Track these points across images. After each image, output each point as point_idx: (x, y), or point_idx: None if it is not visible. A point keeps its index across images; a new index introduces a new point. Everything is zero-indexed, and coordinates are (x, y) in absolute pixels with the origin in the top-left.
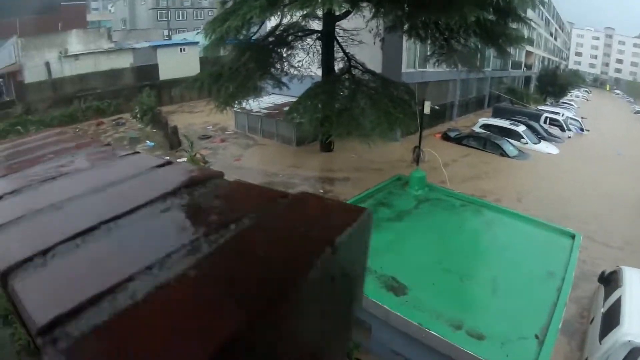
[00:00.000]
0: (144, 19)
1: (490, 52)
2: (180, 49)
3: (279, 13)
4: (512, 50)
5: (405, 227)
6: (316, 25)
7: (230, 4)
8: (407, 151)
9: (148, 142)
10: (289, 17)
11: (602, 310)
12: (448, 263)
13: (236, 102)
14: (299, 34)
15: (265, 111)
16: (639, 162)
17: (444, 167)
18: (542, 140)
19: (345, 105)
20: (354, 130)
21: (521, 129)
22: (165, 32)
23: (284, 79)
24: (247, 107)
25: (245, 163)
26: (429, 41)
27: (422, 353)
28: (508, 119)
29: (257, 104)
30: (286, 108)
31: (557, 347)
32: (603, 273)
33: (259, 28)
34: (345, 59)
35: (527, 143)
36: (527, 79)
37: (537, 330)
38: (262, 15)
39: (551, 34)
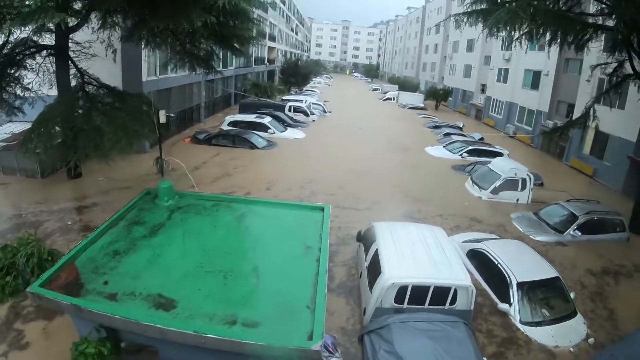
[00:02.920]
0: None
1: (233, 54)
2: None
3: (3, 30)
4: (253, 48)
5: (161, 241)
6: (48, 39)
7: None
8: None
9: None
10: (17, 32)
11: (366, 264)
12: (210, 265)
13: None
14: (30, 50)
15: (2, 144)
16: (377, 134)
17: (195, 171)
18: (288, 128)
19: (80, 126)
20: (92, 152)
21: (267, 120)
22: None
23: (18, 104)
24: None
25: None
26: (167, 47)
27: (211, 357)
28: (254, 112)
29: None
30: None
31: (339, 308)
32: (360, 232)
33: None
34: (78, 75)
35: (274, 133)
36: (271, 73)
37: (307, 301)
38: None
39: (292, 30)
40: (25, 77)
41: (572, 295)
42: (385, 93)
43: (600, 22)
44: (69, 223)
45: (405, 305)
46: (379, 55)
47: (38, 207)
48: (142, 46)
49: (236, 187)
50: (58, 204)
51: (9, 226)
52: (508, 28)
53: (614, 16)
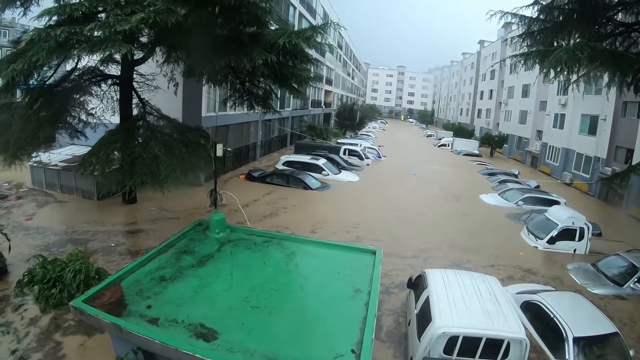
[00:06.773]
0: None
1: (291, 94)
2: None
3: (72, 56)
4: (310, 91)
5: (209, 272)
6: (114, 70)
7: (23, 44)
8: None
9: None
10: (85, 60)
11: (416, 311)
12: (255, 300)
13: (26, 155)
14: (97, 78)
15: (63, 164)
16: (430, 180)
17: (247, 207)
18: (342, 170)
19: (139, 153)
20: (147, 179)
21: (321, 162)
22: None
23: (82, 128)
24: (44, 159)
25: (38, 222)
26: (227, 85)
27: None
28: (309, 154)
29: (49, 157)
30: None
31: (385, 358)
32: (410, 279)
33: (54, 72)
34: (140, 105)
35: (328, 174)
36: (327, 116)
37: (353, 345)
38: (49, 57)
39: (349, 74)
40: (89, 102)
41: (631, 353)
42: (440, 139)
43: None
44: (112, 245)
45: (454, 357)
46: (433, 102)
47: (88, 226)
48: (204, 82)
49: (282, 226)
50: (106, 226)
51: (52, 241)
52: (567, 70)
53: None
